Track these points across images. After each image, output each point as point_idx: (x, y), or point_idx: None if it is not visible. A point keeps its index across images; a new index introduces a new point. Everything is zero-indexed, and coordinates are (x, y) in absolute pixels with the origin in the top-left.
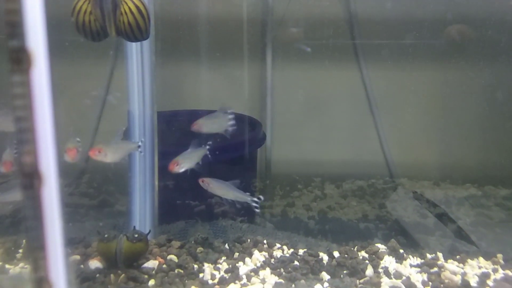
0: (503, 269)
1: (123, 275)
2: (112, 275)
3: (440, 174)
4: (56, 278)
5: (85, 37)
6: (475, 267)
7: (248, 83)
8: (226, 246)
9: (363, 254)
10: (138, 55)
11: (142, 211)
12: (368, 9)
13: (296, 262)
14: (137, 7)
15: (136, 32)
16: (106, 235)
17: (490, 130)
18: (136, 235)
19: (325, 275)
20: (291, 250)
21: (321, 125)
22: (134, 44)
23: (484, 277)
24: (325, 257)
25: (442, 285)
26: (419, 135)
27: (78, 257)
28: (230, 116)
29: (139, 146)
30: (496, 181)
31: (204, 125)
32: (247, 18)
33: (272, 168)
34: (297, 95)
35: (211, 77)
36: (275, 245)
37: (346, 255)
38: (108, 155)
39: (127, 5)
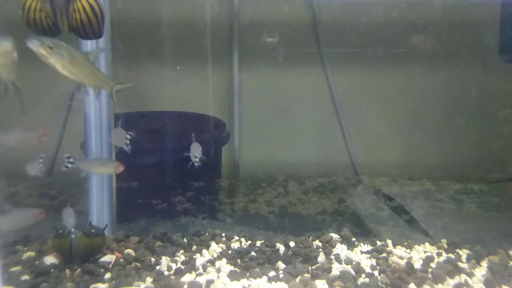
0: (447, 253)
1: (78, 269)
2: (67, 270)
3: (399, 171)
4: None
5: (37, 34)
6: (421, 252)
7: (213, 85)
8: (185, 240)
9: (317, 243)
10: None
11: (99, 209)
12: (333, 15)
13: (253, 253)
14: (90, 5)
15: (88, 30)
16: (60, 231)
17: (447, 130)
18: (93, 230)
19: (281, 264)
20: (249, 242)
21: (289, 127)
22: (89, 42)
23: (428, 260)
24: (281, 248)
25: (388, 269)
26: (381, 135)
27: (33, 253)
28: (127, 136)
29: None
30: (451, 177)
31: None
32: (214, 21)
33: (240, 169)
34: (265, 97)
35: (177, 80)
36: (233, 237)
37: (301, 245)
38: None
39: (80, 3)
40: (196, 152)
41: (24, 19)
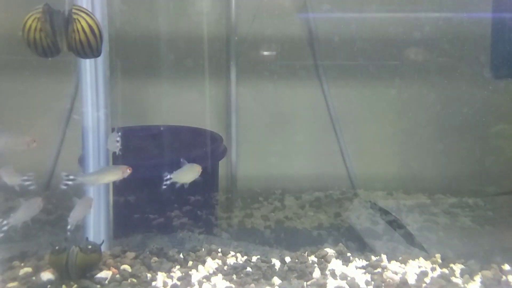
0: (441, 268)
1: (75, 285)
2: (64, 286)
3: (395, 185)
4: None
5: (37, 53)
6: (415, 267)
7: (210, 99)
8: (181, 255)
9: (312, 258)
10: (92, 70)
11: (96, 224)
12: (329, 30)
13: (248, 268)
14: (89, 26)
15: (87, 50)
16: (57, 247)
17: (442, 145)
18: (90, 246)
19: (276, 280)
20: (245, 257)
21: (286, 141)
22: (88, 60)
23: (422, 275)
24: (277, 263)
25: (383, 284)
26: (377, 149)
27: (30, 269)
28: (118, 138)
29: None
30: (446, 190)
31: None
32: (211, 35)
33: (238, 183)
34: (262, 111)
35: (175, 94)
36: (229, 253)
37: (296, 260)
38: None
39: (80, 23)
40: (188, 176)
41: (24, 38)
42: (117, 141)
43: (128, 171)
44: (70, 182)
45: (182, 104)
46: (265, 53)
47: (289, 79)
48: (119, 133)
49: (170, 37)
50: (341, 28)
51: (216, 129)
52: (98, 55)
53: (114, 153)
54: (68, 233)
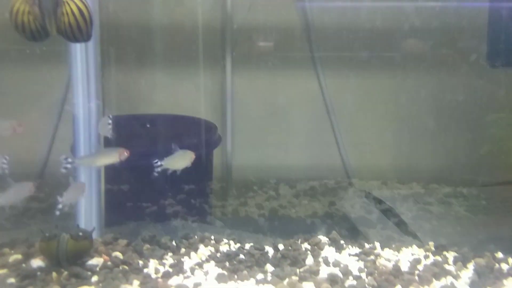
0: (434, 255)
1: (65, 272)
2: (54, 273)
3: (390, 174)
4: None
5: (25, 37)
6: (408, 254)
7: (206, 89)
8: (173, 243)
9: (305, 245)
10: (82, 57)
11: (87, 212)
12: (325, 20)
13: (241, 256)
14: (79, 8)
15: (76, 33)
16: (47, 234)
17: (437, 134)
18: (81, 233)
19: (269, 267)
20: (238, 244)
21: (281, 130)
22: (78, 45)
23: (415, 262)
24: (270, 250)
25: (376, 271)
26: (372, 139)
27: (20, 256)
28: (109, 121)
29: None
30: (441, 180)
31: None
32: (207, 25)
33: (232, 172)
34: (257, 101)
35: (170, 83)
36: (222, 240)
37: (290, 247)
38: None
39: (69, 6)
40: (180, 162)
41: (12, 22)
42: (109, 124)
43: (126, 154)
44: (69, 165)
45: (177, 94)
46: (261, 43)
47: (285, 69)
48: (110, 117)
49: (165, 25)
50: (338, 18)
51: (211, 119)
52: (88, 39)
53: (105, 138)
54: (57, 212)
